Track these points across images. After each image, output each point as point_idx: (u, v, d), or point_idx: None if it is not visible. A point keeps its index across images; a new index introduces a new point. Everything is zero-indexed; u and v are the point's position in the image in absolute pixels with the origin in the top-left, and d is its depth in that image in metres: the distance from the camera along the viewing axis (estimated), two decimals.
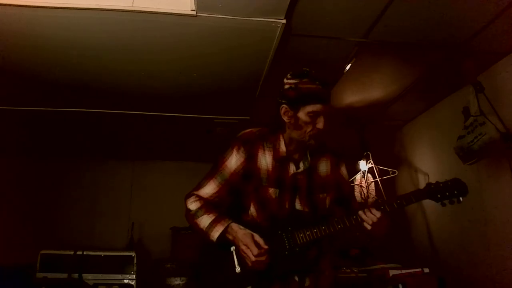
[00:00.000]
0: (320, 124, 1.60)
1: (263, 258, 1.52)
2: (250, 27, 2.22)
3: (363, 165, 3.96)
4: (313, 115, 1.58)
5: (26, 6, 2.00)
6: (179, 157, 5.02)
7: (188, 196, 1.72)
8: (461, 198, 1.54)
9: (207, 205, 1.67)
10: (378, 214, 1.54)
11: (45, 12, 2.05)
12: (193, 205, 1.68)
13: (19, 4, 1.99)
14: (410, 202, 1.57)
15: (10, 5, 1.99)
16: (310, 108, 1.57)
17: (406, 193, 1.59)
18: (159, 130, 4.03)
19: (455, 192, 1.54)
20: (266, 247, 1.54)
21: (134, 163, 5.10)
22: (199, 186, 1.72)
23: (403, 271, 3.01)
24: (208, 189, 1.69)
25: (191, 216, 1.67)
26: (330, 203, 1.74)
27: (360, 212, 1.56)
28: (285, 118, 1.64)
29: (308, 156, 1.70)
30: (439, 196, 1.55)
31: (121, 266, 3.78)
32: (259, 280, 1.58)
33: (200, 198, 1.69)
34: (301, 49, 2.72)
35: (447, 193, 1.54)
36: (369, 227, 1.55)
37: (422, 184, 3.92)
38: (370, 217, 1.54)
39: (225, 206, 1.71)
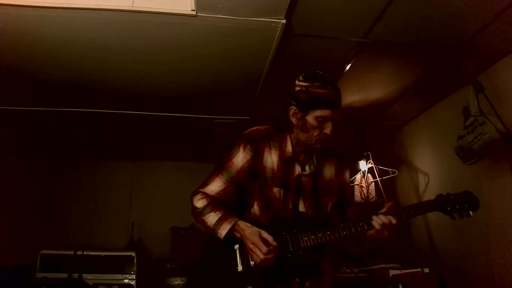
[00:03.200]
0: (327, 130, 1.59)
1: (271, 256, 1.52)
2: (250, 27, 2.22)
3: (363, 165, 3.96)
4: (322, 120, 1.57)
5: (26, 6, 2.01)
6: (179, 157, 5.02)
7: (194, 193, 1.72)
8: (471, 212, 1.53)
9: (214, 202, 1.67)
10: (394, 220, 1.53)
11: (45, 12, 2.05)
12: (199, 202, 1.68)
13: (19, 4, 1.99)
14: (419, 213, 1.56)
15: (10, 5, 1.99)
16: (319, 112, 1.56)
17: (415, 203, 1.58)
18: (159, 130, 4.03)
19: (466, 205, 1.53)
20: (275, 244, 1.53)
21: (134, 163, 5.10)
22: (205, 183, 1.71)
23: (403, 271, 3.01)
24: (214, 186, 1.69)
25: (198, 214, 1.67)
26: (332, 208, 1.74)
27: (374, 222, 1.54)
28: (293, 120, 1.63)
29: (315, 159, 1.70)
30: (449, 209, 1.55)
31: (121, 266, 3.78)
32: (261, 280, 1.57)
33: (206, 195, 1.68)
34: (301, 49, 2.71)
35: (457, 206, 1.54)
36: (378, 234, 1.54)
37: (422, 184, 3.93)
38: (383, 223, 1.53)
39: (230, 204, 1.70)
